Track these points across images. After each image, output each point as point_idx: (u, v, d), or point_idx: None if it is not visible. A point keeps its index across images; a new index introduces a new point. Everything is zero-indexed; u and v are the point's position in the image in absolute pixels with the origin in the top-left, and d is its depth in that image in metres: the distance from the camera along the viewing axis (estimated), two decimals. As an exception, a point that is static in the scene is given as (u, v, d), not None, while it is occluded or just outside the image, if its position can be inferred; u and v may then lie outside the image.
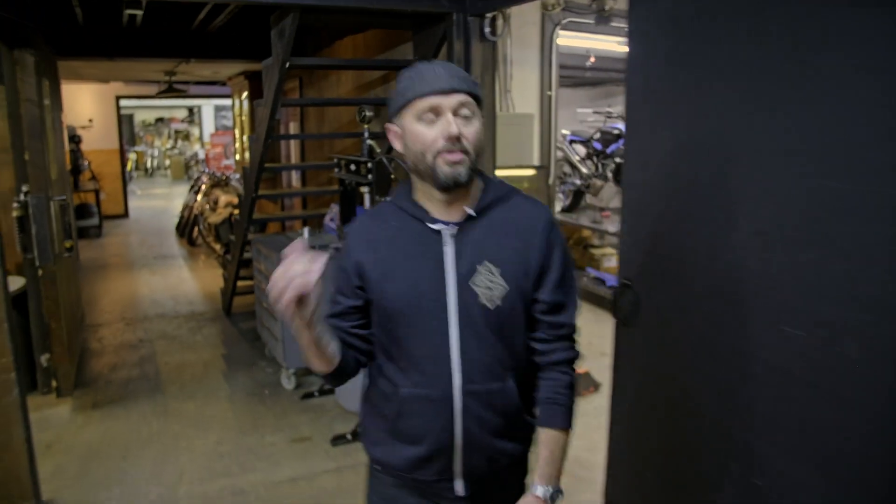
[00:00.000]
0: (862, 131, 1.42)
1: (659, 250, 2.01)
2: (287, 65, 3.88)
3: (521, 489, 1.61)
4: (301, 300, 1.19)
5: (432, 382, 1.46)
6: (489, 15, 3.38)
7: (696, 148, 1.85)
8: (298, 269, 1.17)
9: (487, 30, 3.39)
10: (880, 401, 1.41)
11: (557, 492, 1.50)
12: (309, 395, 4.24)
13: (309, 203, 7.40)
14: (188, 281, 7.55)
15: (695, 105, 1.84)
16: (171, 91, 9.92)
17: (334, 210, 4.73)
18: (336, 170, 3.80)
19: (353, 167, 3.58)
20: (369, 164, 3.42)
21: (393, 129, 1.46)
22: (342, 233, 3.91)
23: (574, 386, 1.56)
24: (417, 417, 1.48)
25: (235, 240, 5.61)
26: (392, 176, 3.40)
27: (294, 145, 8.27)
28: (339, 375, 1.47)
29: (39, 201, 3.60)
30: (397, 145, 1.46)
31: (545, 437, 1.52)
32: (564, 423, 1.53)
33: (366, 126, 3.72)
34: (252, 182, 4.80)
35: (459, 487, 1.51)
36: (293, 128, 8.02)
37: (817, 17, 1.49)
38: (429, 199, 1.46)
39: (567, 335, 1.54)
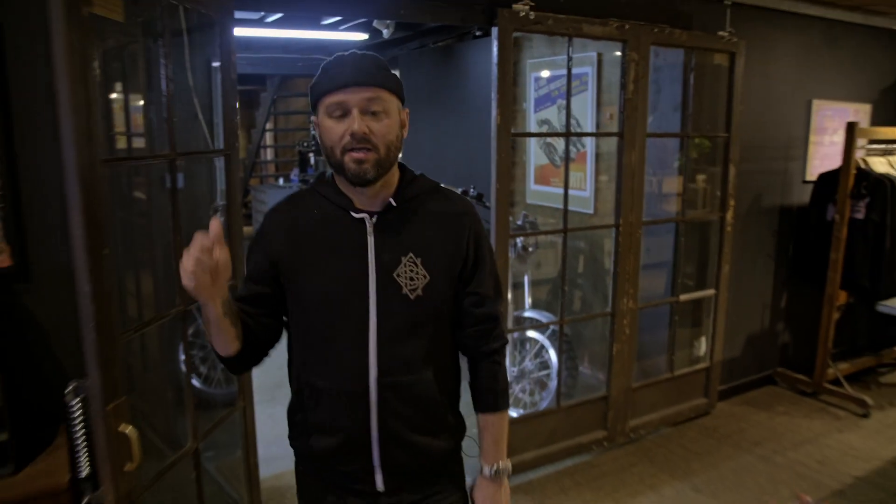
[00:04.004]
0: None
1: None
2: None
3: (452, 483, 1.61)
4: (210, 277, 1.22)
5: (348, 374, 1.43)
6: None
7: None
8: (205, 243, 1.20)
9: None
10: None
11: (503, 468, 1.56)
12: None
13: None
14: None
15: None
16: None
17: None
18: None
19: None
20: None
21: (314, 119, 1.44)
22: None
23: (505, 371, 1.59)
24: (334, 409, 1.46)
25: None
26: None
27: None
28: (240, 360, 1.45)
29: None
30: (317, 136, 1.44)
31: (485, 423, 1.56)
32: (499, 405, 1.57)
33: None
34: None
35: (379, 481, 1.49)
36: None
37: None
38: (349, 189, 1.44)
39: (494, 325, 1.55)
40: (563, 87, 4.27)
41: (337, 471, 1.51)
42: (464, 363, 1.62)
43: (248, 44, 5.93)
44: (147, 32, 2.51)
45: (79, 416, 1.78)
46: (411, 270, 1.42)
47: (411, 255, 1.43)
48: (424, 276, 1.43)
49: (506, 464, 1.57)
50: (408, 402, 1.46)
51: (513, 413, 3.61)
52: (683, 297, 3.87)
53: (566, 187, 3.30)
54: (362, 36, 5.35)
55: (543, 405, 3.74)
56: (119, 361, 1.72)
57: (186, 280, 1.21)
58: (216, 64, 2.40)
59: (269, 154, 12.16)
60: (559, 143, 4.73)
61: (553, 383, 3.75)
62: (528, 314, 4.02)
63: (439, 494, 1.57)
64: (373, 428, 1.44)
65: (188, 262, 1.19)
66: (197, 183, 2.95)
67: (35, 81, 2.13)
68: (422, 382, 1.46)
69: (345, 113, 1.34)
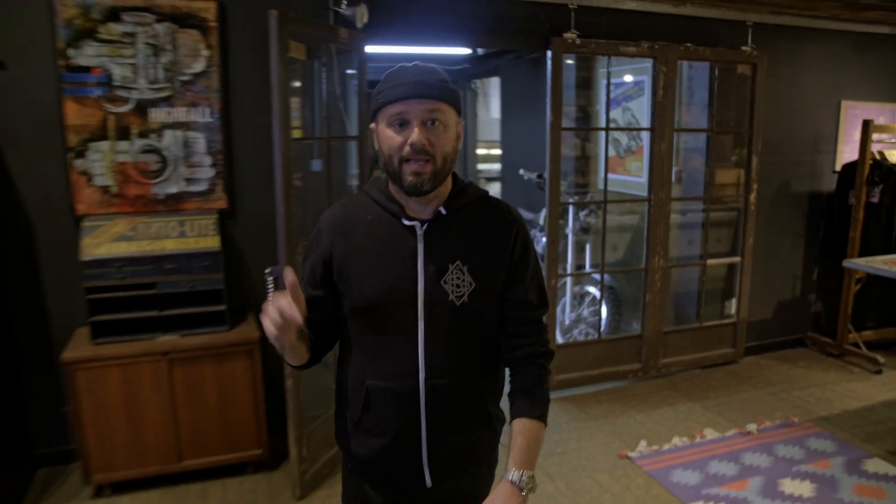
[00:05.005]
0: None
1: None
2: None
3: (489, 481, 1.68)
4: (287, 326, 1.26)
5: (398, 375, 1.47)
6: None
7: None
8: (281, 303, 1.23)
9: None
10: None
11: (531, 478, 1.44)
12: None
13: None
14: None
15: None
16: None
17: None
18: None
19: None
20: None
21: (373, 127, 1.46)
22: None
23: (547, 380, 1.57)
24: (383, 410, 1.49)
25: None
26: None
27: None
28: (307, 366, 1.53)
29: None
30: (375, 144, 1.46)
31: (519, 427, 1.49)
32: (538, 413, 1.51)
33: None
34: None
35: (427, 478, 1.53)
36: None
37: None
38: (402, 196, 1.47)
39: (537, 331, 1.57)
40: (626, 93, 5.28)
41: (385, 470, 1.56)
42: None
43: (373, 57, 7.29)
44: (310, 56, 3.77)
45: (271, 289, 3.08)
46: (458, 278, 1.45)
47: (458, 262, 1.46)
48: (471, 283, 1.46)
49: (532, 475, 1.44)
50: (454, 401, 1.50)
51: (560, 339, 4.70)
52: (711, 262, 4.79)
53: (605, 170, 4.36)
54: (466, 50, 6.52)
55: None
56: (294, 257, 2.97)
57: (269, 334, 1.28)
58: (350, 71, 3.61)
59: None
60: (623, 139, 5.70)
61: (602, 320, 4.77)
62: (586, 271, 5.08)
63: (478, 489, 1.64)
64: (422, 427, 1.49)
65: (270, 327, 1.25)
66: (335, 164, 4.22)
67: (243, 92, 3.45)
68: (468, 383, 1.51)
69: (404, 123, 1.38)
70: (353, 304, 1.49)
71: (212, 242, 3.24)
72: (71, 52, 3.16)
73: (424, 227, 1.46)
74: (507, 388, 1.62)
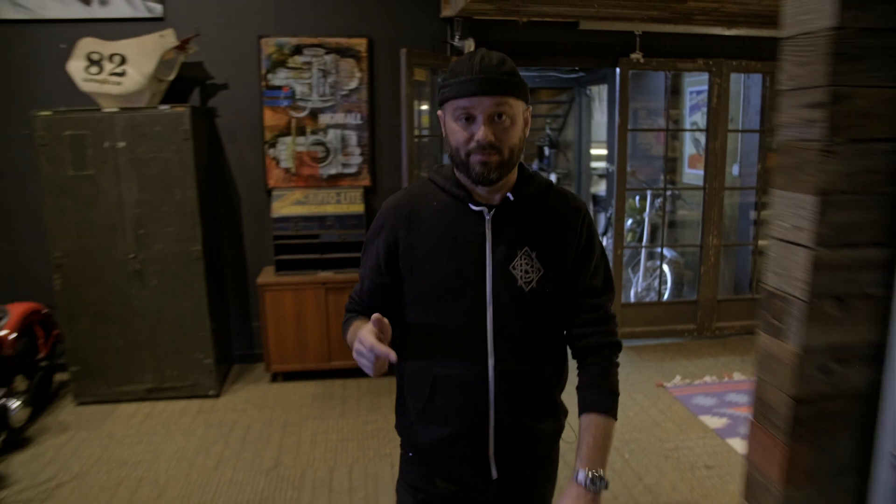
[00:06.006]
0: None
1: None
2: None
3: (550, 475, 1.63)
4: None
5: (466, 362, 1.44)
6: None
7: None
8: (374, 345, 1.25)
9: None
10: None
11: (600, 478, 1.39)
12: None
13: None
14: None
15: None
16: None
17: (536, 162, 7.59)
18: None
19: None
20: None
21: (440, 114, 1.45)
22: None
23: (615, 373, 1.52)
24: (450, 397, 1.46)
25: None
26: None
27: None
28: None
29: None
30: (443, 131, 1.45)
31: (587, 423, 1.46)
32: (606, 408, 1.47)
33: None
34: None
35: (493, 470, 1.50)
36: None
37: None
38: (469, 182, 1.45)
39: (604, 319, 1.53)
40: (704, 99, 6.20)
41: (451, 460, 1.52)
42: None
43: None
44: (433, 74, 5.03)
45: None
46: (526, 263, 1.43)
47: (527, 248, 1.44)
48: (539, 270, 1.44)
49: (601, 474, 1.40)
50: (523, 389, 1.48)
51: (630, 299, 5.73)
52: (761, 242, 5.63)
53: (665, 159, 5.33)
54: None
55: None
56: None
57: (366, 371, 1.30)
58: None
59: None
60: (702, 139, 6.58)
61: (666, 287, 5.75)
62: (657, 250, 6.06)
63: (542, 481, 1.61)
64: (491, 415, 1.46)
65: (368, 367, 1.29)
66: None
67: (383, 103, 4.80)
68: (535, 370, 1.49)
69: (470, 118, 1.36)
70: (419, 290, 1.48)
71: (358, 208, 4.63)
72: (269, 76, 4.64)
73: (492, 212, 1.45)
74: (571, 381, 1.59)
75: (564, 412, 1.61)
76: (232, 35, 4.60)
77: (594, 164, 10.29)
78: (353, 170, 4.84)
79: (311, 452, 3.69)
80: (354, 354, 1.31)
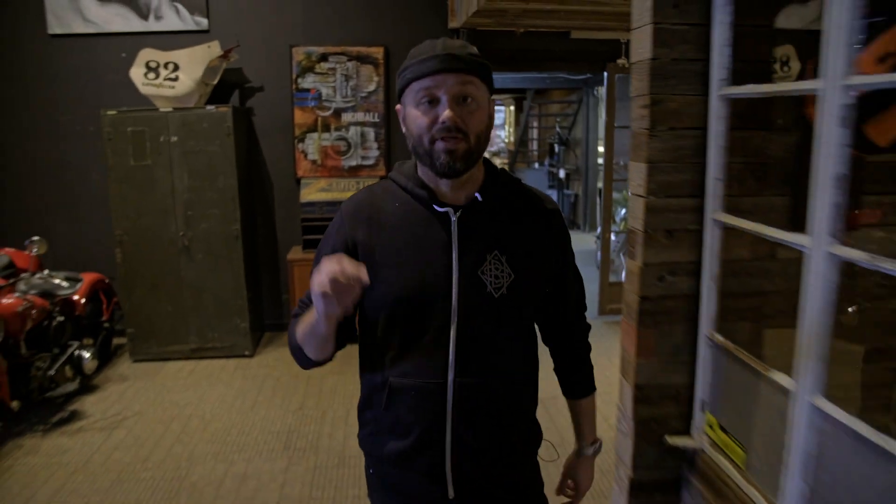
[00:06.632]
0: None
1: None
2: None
3: (516, 497, 1.50)
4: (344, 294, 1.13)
5: (425, 372, 1.35)
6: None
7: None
8: (350, 270, 1.12)
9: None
10: None
11: (598, 444, 1.61)
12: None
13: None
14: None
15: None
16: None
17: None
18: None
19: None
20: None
21: (398, 109, 1.37)
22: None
23: (588, 350, 1.60)
24: (406, 409, 1.38)
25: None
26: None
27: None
28: (321, 363, 1.44)
29: None
30: (403, 127, 1.37)
31: (580, 407, 1.58)
32: (590, 388, 1.59)
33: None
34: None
35: (449, 488, 1.40)
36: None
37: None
38: (433, 181, 1.36)
39: (580, 319, 1.58)
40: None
41: (406, 475, 1.43)
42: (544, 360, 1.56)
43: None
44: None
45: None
46: (496, 268, 1.34)
47: (496, 252, 1.35)
48: (510, 275, 1.35)
49: (600, 441, 1.61)
50: (485, 402, 1.38)
51: (613, 278, 6.35)
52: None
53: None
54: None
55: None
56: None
57: (321, 289, 1.13)
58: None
59: (534, 145, 15.51)
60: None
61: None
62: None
63: None
64: (447, 429, 1.36)
65: (325, 281, 1.12)
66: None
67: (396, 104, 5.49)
68: (501, 383, 1.39)
69: (434, 101, 1.27)
70: (380, 296, 1.36)
71: (374, 195, 5.31)
72: (299, 80, 5.35)
73: (458, 213, 1.35)
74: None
75: (537, 436, 1.54)
76: (267, 45, 5.32)
77: (601, 161, 10.90)
78: (370, 162, 5.53)
79: (331, 398, 4.39)
80: (317, 292, 1.15)
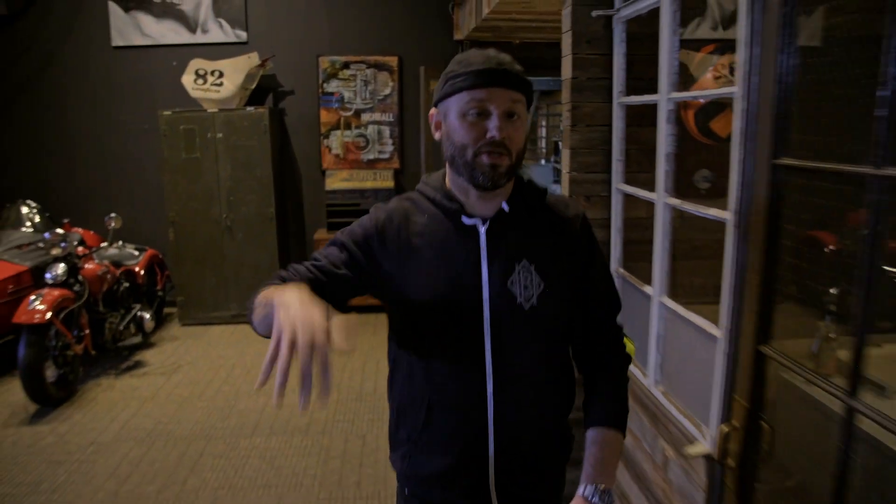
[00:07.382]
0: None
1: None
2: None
3: (556, 493, 1.49)
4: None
5: (464, 388, 1.33)
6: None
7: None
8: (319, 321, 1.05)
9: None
10: None
11: (605, 493, 1.29)
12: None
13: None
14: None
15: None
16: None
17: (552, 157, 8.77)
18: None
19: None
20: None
21: (434, 115, 1.34)
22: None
23: (626, 388, 1.43)
24: (447, 426, 1.35)
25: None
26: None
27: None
28: None
29: None
30: (436, 134, 1.33)
31: (594, 437, 1.35)
32: (614, 422, 1.37)
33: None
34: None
35: (494, 502, 1.38)
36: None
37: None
38: (462, 192, 1.33)
39: (611, 333, 1.44)
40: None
41: (449, 494, 1.40)
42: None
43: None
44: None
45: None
46: (525, 278, 1.32)
47: (525, 261, 1.32)
48: (539, 284, 1.32)
49: (608, 489, 1.30)
50: (526, 415, 1.36)
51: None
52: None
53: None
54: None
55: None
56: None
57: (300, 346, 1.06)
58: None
59: (542, 143, 16.28)
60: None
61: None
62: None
63: None
64: (490, 444, 1.34)
65: (306, 341, 1.05)
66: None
67: (409, 106, 6.32)
68: (540, 396, 1.38)
69: (483, 112, 1.23)
70: (409, 311, 1.35)
71: (389, 184, 6.15)
72: (324, 84, 6.20)
73: (486, 224, 1.32)
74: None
75: (571, 438, 1.49)
76: (297, 54, 6.17)
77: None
78: (386, 156, 6.36)
79: (350, 354, 5.22)
80: (279, 319, 1.07)
